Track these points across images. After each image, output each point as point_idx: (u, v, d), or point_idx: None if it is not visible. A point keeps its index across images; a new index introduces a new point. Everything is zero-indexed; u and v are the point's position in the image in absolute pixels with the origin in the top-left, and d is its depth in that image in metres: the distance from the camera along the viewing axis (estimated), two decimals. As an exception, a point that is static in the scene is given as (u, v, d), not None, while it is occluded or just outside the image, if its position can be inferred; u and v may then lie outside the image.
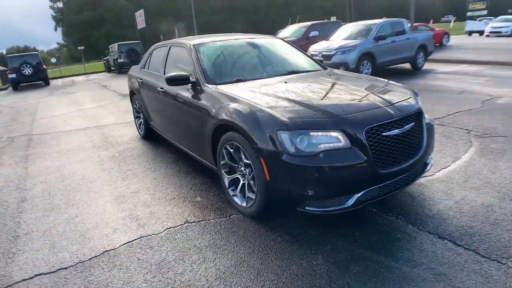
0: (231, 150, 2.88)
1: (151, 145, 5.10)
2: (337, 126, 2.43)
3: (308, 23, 13.17)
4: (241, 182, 2.92)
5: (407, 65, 11.03)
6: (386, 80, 3.49)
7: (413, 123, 2.73)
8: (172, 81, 3.40)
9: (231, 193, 3.03)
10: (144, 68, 5.08)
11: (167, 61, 4.31)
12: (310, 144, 2.37)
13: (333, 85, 3.30)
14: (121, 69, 20.02)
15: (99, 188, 3.69)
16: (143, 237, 2.68)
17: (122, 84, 13.92)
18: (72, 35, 60.17)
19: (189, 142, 3.72)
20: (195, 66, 3.55)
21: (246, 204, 2.84)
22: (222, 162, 3.04)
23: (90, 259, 2.44)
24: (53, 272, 2.33)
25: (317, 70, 3.92)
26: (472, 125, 4.82)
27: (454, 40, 20.47)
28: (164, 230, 2.77)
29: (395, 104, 2.75)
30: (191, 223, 2.85)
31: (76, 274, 2.29)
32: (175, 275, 2.23)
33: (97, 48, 53.77)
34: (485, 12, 35.89)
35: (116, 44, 19.82)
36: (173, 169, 4.10)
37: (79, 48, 30.31)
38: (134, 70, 5.61)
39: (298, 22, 19.78)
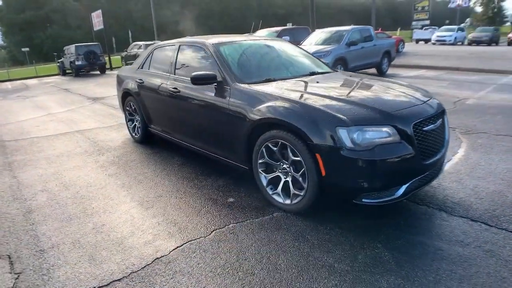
0: (274, 148, 2.87)
1: (151, 148, 4.85)
2: (388, 121, 2.57)
3: (279, 28, 13.40)
4: (283, 179, 2.93)
5: (373, 70, 11.57)
6: (403, 82, 3.67)
7: (441, 119, 2.94)
8: (198, 80, 3.33)
9: (270, 191, 3.02)
10: (142, 68, 4.84)
11: (176, 61, 4.15)
12: (366, 139, 2.47)
13: (363, 84, 3.41)
14: (78, 72, 18.84)
15: (114, 194, 3.43)
16: (191, 241, 2.55)
17: (85, 87, 13.11)
18: (14, 36, 55.66)
19: (210, 142, 3.61)
20: (220, 65, 3.46)
21: (291, 201, 2.86)
22: (260, 161, 3.02)
23: (143, 268, 2.26)
24: (106, 285, 2.12)
25: (332, 72, 3.99)
26: (453, 123, 5.20)
27: (405, 47, 21.88)
28: (212, 232, 2.66)
29: (428, 102, 2.95)
30: (236, 223, 2.78)
31: (135, 285, 2.10)
32: (246, 275, 2.15)
33: (43, 50, 50.32)
34: (427, 22, 38.93)
35: (73, 45, 18.62)
36: (188, 171, 3.94)
37: (23, 49, 28.05)
38: (127, 70, 5.33)
39: (260, 28, 20.03)
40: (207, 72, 3.38)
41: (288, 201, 2.89)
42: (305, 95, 2.94)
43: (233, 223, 2.78)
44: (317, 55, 10.12)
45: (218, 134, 3.46)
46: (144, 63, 4.86)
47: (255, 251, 2.40)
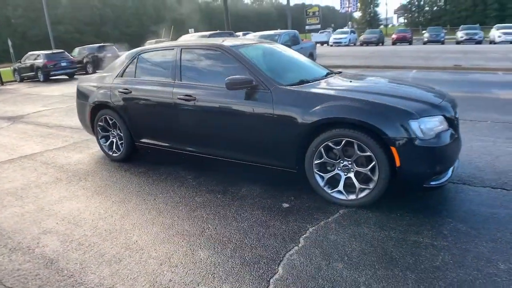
0: (337, 147, 2.90)
1: (138, 166, 4.31)
2: (439, 112, 2.86)
3: (207, 33, 13.18)
4: (343, 177, 2.98)
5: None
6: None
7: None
8: (235, 85, 3.18)
9: (329, 190, 3.05)
10: (123, 77, 4.26)
11: (181, 66, 3.78)
12: (430, 128, 2.70)
13: (390, 82, 3.77)
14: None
15: (149, 221, 2.95)
16: (289, 251, 2.42)
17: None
18: None
19: (243, 150, 3.42)
20: (250, 69, 3.32)
21: (356, 196, 2.94)
22: (316, 162, 3.02)
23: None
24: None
25: (339, 72, 4.11)
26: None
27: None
28: (298, 240, 2.57)
29: (447, 96, 3.32)
30: (313, 227, 2.73)
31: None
32: (380, 270, 2.07)
33: None
34: (319, 26, 42.70)
35: None
36: (212, 185, 3.64)
37: None
38: (92, 80, 4.63)
39: (172, 33, 19.41)
40: (243, 76, 3.22)
41: (352, 197, 2.96)
42: (360, 94, 3.05)
43: (310, 227, 2.71)
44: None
45: (256, 140, 3.31)
46: (125, 70, 4.28)
47: (358, 247, 2.44)
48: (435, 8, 61.77)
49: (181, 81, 3.76)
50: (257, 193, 3.40)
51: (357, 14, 72.55)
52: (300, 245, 2.51)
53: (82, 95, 4.73)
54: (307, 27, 45.33)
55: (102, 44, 19.74)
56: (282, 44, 10.63)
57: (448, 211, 2.85)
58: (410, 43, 29.63)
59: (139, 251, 2.55)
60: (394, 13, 76.44)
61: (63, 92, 12.28)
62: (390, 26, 67.86)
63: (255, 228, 2.78)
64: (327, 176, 3.04)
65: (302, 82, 3.38)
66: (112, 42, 22.02)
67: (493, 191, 3.13)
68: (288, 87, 3.22)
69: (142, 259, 2.46)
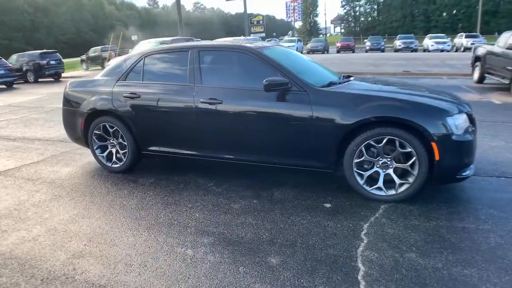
0: (378, 145, 2.99)
1: (145, 176, 3.97)
2: (464, 109, 3.10)
3: (169, 38, 12.72)
4: (382, 173, 3.08)
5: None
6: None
7: None
8: (273, 87, 3.14)
9: (368, 188, 3.11)
10: (126, 80, 3.91)
11: (201, 69, 3.58)
12: (460, 125, 2.93)
13: (407, 83, 4.01)
14: None
15: (195, 232, 2.70)
16: (358, 248, 2.40)
17: None
18: None
19: (277, 153, 3.34)
20: (283, 71, 3.28)
21: (396, 191, 3.04)
22: (356, 161, 3.07)
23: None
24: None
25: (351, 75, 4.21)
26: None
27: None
28: (360, 238, 2.59)
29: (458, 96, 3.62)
30: (367, 223, 2.79)
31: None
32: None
33: None
34: (263, 34, 43.69)
35: None
36: (243, 189, 3.50)
37: None
38: (87, 85, 4.20)
39: (121, 39, 18.67)
40: (280, 78, 3.18)
41: (392, 192, 3.06)
42: (395, 94, 3.23)
43: (364, 224, 2.78)
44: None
45: (293, 142, 3.24)
46: (128, 74, 3.92)
47: (418, 237, 2.54)
48: (369, 18, 66.64)
49: (201, 84, 3.55)
50: (292, 196, 3.33)
51: (298, 24, 75.85)
52: (365, 241, 2.52)
53: (71, 102, 4.24)
54: (252, 35, 46.29)
55: (44, 50, 18.13)
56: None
57: (475, 199, 3.10)
58: (353, 51, 31.41)
59: (202, 264, 2.30)
60: (331, 23, 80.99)
61: (9, 102, 11.01)
62: (328, 35, 71.70)
63: (312, 229, 2.72)
64: (366, 174, 3.10)
65: (331, 84, 3.43)
66: (46, 49, 20.23)
67: (499, 179, 3.49)
68: (325, 89, 3.26)
69: (212, 273, 2.22)
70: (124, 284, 2.16)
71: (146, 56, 3.92)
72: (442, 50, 27.18)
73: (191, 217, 2.99)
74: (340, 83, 3.50)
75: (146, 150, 3.94)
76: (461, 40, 28.01)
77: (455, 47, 28.62)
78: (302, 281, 2.12)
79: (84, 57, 23.98)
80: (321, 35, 69.26)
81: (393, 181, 3.06)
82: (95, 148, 4.17)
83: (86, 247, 2.60)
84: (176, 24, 23.20)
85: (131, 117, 3.83)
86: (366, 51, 31.17)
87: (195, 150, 3.69)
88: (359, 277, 2.12)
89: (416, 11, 60.56)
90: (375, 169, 3.09)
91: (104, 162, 4.16)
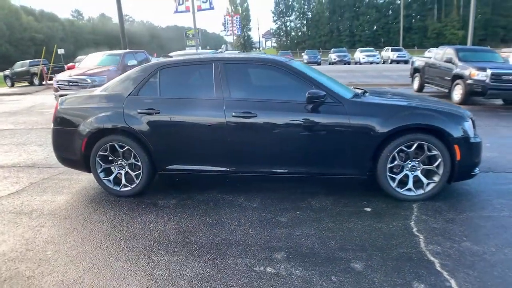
0: (409, 150, 3.26)
1: (169, 196, 3.68)
2: (469, 116, 3.45)
3: (121, 51, 11.98)
4: (411, 175, 3.34)
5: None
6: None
7: None
8: (315, 99, 3.23)
9: (400, 190, 3.35)
10: (138, 95, 3.61)
11: (228, 81, 3.46)
12: (472, 128, 3.34)
13: (410, 95, 4.50)
14: None
15: (268, 247, 2.52)
16: (421, 244, 2.58)
17: None
18: None
19: (313, 162, 3.42)
20: (317, 84, 3.39)
21: (424, 191, 3.32)
22: (389, 165, 3.30)
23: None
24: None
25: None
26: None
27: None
28: (415, 232, 2.79)
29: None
30: (411, 221, 2.99)
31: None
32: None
33: None
34: (199, 47, 43.64)
35: None
36: (278, 202, 3.42)
37: None
38: (96, 100, 3.77)
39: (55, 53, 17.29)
40: (319, 91, 3.27)
41: (420, 191, 3.33)
42: (418, 103, 3.57)
43: (410, 222, 2.96)
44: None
45: (330, 151, 3.37)
46: (141, 88, 3.61)
47: (464, 228, 2.83)
48: (299, 33, 70.30)
49: (231, 97, 3.42)
50: (331, 204, 3.39)
51: (230, 38, 77.13)
52: (421, 237, 2.71)
53: (66, 121, 3.76)
54: (187, 49, 45.98)
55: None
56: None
57: (482, 192, 3.55)
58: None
59: (293, 280, 2.16)
60: (262, 37, 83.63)
61: None
62: (261, 49, 73.97)
63: (371, 233, 2.83)
64: (398, 177, 3.33)
65: (357, 95, 3.59)
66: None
67: (488, 174, 4.02)
68: (358, 100, 3.45)
69: (309, 287, 2.10)
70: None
71: (161, 69, 3.64)
72: (371, 63, 29.63)
73: (246, 235, 2.83)
74: (363, 95, 3.68)
75: (164, 169, 3.64)
76: (388, 53, 30.92)
77: (382, 60, 31.40)
78: (395, 280, 2.20)
79: (8, 72, 21.44)
80: (254, 49, 71.18)
81: (420, 181, 3.32)
82: (99, 171, 3.71)
83: (152, 282, 2.29)
84: (105, 36, 22.06)
85: (148, 134, 3.52)
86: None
87: (224, 165, 3.52)
88: (439, 268, 2.28)
89: (341, 26, 65.41)
90: (404, 172, 3.34)
91: (111, 186, 3.73)
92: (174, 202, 3.57)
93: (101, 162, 3.69)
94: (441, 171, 3.26)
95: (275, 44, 75.96)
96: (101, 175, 3.73)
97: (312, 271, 2.31)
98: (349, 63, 30.83)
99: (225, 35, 53.84)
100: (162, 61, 3.82)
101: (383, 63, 30.42)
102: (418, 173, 3.33)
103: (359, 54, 31.06)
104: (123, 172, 3.72)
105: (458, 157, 3.20)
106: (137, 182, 3.67)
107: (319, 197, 3.51)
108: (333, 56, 31.55)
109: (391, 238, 2.70)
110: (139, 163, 3.61)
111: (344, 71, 20.44)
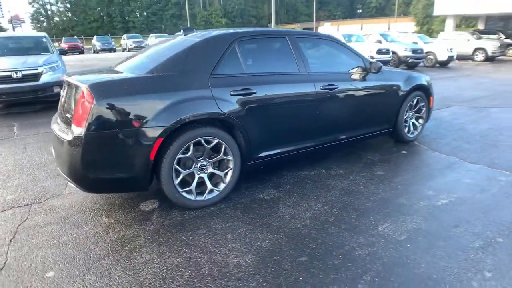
0: (414, 103, 4.34)
1: (236, 192, 3.15)
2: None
3: None
4: (411, 121, 4.58)
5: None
6: None
7: None
8: (379, 68, 3.82)
9: (408, 134, 4.47)
10: (223, 72, 2.89)
11: (304, 56, 3.39)
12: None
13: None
14: None
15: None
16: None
17: None
18: None
19: (364, 124, 3.88)
20: (361, 55, 3.88)
21: (418, 131, 4.78)
22: (404, 117, 4.26)
23: None
24: None
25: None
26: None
27: None
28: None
29: None
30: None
31: None
32: None
33: None
34: None
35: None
36: (363, 169, 3.59)
37: None
38: (158, 84, 2.68)
39: None
40: (378, 62, 3.84)
41: (416, 132, 4.61)
42: (411, 72, 4.56)
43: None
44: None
45: (379, 111, 4.00)
46: (219, 64, 2.85)
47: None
48: (65, 18, 60.74)
49: (313, 71, 3.36)
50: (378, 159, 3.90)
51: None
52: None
53: (120, 120, 2.50)
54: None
55: None
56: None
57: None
58: (82, 52, 28.78)
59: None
60: (9, 23, 67.64)
61: None
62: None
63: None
64: (408, 124, 4.37)
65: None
66: None
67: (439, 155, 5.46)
68: (387, 69, 4.16)
69: None
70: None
71: (238, 41, 2.99)
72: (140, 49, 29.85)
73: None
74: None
75: (255, 159, 3.09)
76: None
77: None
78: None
79: None
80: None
81: (415, 125, 4.43)
82: (176, 182, 2.72)
83: None
84: None
85: (244, 119, 2.89)
86: (97, 52, 29.36)
87: (310, 141, 3.42)
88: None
89: (113, 11, 61.32)
90: (409, 121, 4.39)
91: (193, 198, 2.83)
92: (276, 191, 3.11)
93: (180, 169, 2.71)
94: (425, 115, 4.50)
95: (34, 30, 62.89)
96: (178, 187, 2.74)
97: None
98: (114, 50, 29.80)
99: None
100: (237, 31, 3.09)
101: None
102: (414, 119, 4.45)
103: (126, 41, 31.16)
104: (205, 176, 2.86)
105: (431, 104, 4.50)
106: (227, 182, 2.94)
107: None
108: (97, 44, 30.03)
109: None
110: (231, 157, 2.90)
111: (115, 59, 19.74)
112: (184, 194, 2.77)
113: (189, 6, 62.71)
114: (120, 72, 2.94)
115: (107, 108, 2.45)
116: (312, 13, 76.93)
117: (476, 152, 4.07)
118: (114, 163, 2.54)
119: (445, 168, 3.62)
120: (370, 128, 3.93)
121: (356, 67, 3.73)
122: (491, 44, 16.60)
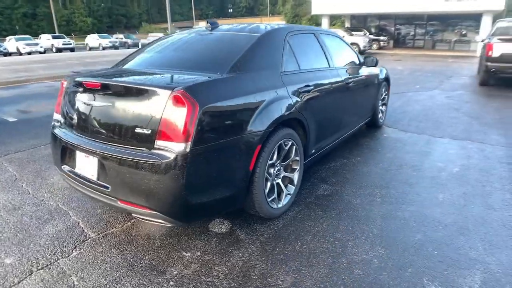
0: (384, 93, 5.25)
1: (311, 186, 3.34)
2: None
3: None
4: (381, 108, 5.11)
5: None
6: None
7: None
8: (376, 61, 4.56)
9: (381, 120, 5.07)
10: (286, 68, 2.92)
11: (329, 50, 3.72)
12: None
13: None
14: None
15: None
16: None
17: None
18: None
19: (356, 112, 4.35)
20: (354, 50, 4.45)
21: (384, 117, 5.24)
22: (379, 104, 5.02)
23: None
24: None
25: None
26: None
27: None
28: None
29: None
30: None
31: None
32: None
33: None
34: None
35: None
36: (379, 162, 4.15)
37: None
38: (244, 83, 2.50)
39: None
40: (371, 56, 4.52)
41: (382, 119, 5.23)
42: None
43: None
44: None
45: (366, 100, 4.63)
46: (283, 59, 2.92)
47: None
48: None
49: (336, 66, 3.74)
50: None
51: None
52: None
53: (225, 128, 2.28)
54: None
55: None
56: None
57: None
58: None
59: None
60: None
61: None
62: None
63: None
64: (383, 109, 5.23)
65: None
66: None
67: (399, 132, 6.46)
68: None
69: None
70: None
71: (290, 35, 3.13)
72: (30, 53, 25.71)
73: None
74: None
75: (309, 156, 3.23)
76: (52, 41, 28.41)
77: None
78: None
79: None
80: None
81: (382, 111, 5.27)
82: (267, 191, 2.65)
83: None
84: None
85: (309, 117, 3.01)
86: None
87: (338, 132, 3.78)
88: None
89: None
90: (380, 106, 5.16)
91: (275, 207, 2.77)
92: (327, 185, 3.34)
93: (269, 176, 2.68)
94: (387, 102, 5.43)
95: None
96: (267, 197, 2.66)
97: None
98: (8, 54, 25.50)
99: None
100: (286, 26, 3.19)
101: (44, 53, 26.93)
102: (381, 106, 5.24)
103: (18, 43, 26.39)
104: (279, 180, 2.85)
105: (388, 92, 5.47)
106: (295, 183, 2.99)
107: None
108: (21, 44, 25.92)
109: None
110: (298, 158, 2.98)
111: (47, 61, 17.08)
112: (270, 203, 2.70)
113: (44, 4, 55.05)
114: (181, 72, 2.58)
115: (211, 115, 2.17)
116: (184, 13, 76.21)
117: (434, 128, 5.03)
118: (217, 180, 2.31)
119: (426, 144, 4.39)
120: (363, 118, 4.55)
121: (352, 61, 4.22)
122: (362, 39, 19.65)
